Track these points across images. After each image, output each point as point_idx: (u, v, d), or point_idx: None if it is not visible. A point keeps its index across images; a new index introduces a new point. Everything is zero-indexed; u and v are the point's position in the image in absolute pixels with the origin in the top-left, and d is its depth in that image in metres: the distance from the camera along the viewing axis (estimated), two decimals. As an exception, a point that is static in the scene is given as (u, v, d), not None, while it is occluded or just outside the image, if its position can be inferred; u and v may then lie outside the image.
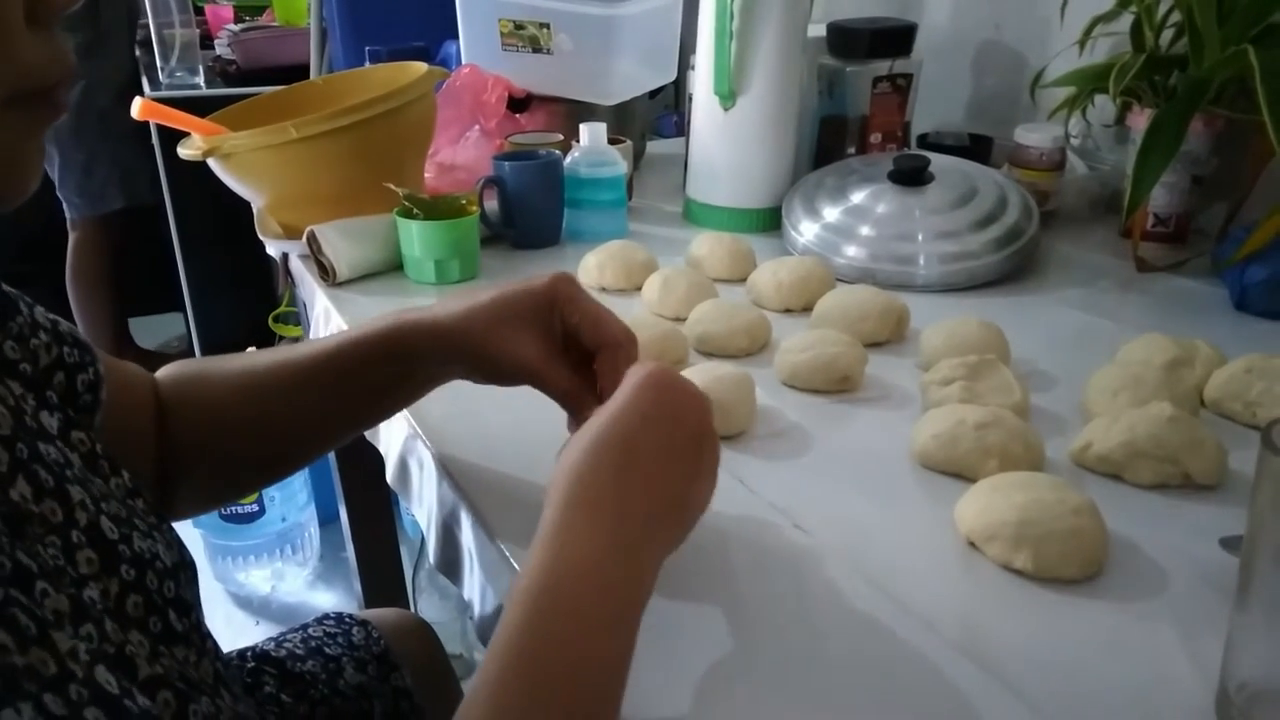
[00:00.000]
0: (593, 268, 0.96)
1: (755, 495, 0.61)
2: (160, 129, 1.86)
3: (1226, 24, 0.89)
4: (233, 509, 1.73)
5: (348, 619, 0.81)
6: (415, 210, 0.96)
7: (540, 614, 0.39)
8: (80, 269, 2.34)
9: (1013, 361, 0.75)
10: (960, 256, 0.95)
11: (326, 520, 1.88)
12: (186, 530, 1.75)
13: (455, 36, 1.30)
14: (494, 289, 0.58)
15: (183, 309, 2.23)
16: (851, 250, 0.98)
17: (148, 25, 2.00)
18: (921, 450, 0.63)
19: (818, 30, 1.17)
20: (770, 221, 1.11)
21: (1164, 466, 0.60)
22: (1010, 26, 1.29)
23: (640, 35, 1.26)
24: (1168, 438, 0.59)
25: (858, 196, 1.02)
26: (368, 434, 0.83)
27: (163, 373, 0.63)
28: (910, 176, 1.00)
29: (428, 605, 1.53)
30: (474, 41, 1.27)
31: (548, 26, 1.21)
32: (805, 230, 1.02)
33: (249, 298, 2.08)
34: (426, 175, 1.13)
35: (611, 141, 1.12)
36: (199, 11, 2.31)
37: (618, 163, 1.08)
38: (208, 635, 0.48)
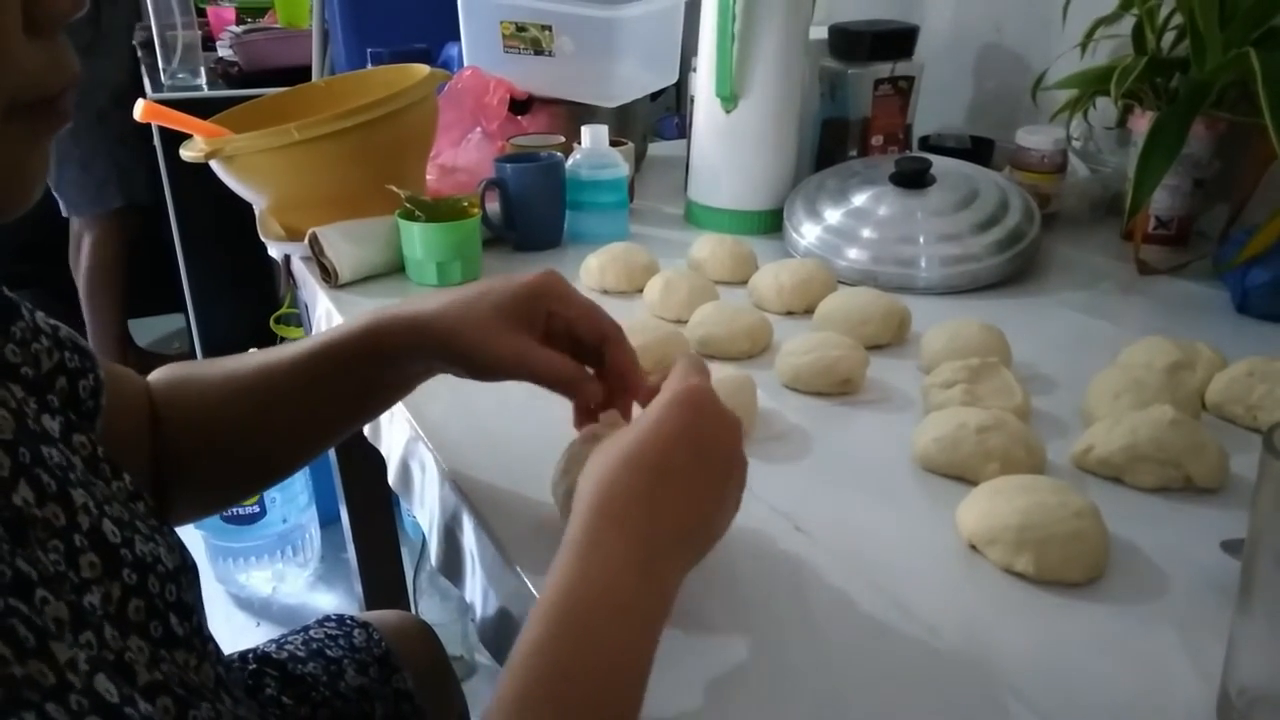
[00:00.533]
0: (594, 270, 0.96)
1: (757, 498, 0.60)
2: (162, 130, 1.87)
3: (1228, 27, 0.89)
4: (234, 510, 1.73)
5: (349, 621, 0.81)
6: (417, 212, 0.96)
7: (564, 634, 0.39)
8: (95, 268, 2.34)
9: (1014, 364, 0.75)
10: (962, 259, 0.95)
11: (327, 521, 1.88)
12: (188, 532, 1.76)
13: (457, 39, 1.30)
14: (477, 284, 0.58)
15: (184, 310, 2.23)
16: (853, 252, 0.98)
17: (149, 26, 2.00)
18: (923, 453, 0.63)
19: (819, 32, 1.17)
20: (772, 224, 1.11)
21: (1165, 469, 0.60)
22: (1012, 29, 1.29)
23: (642, 37, 1.26)
24: (1169, 441, 0.59)
25: (859, 199, 1.02)
26: (369, 436, 0.83)
27: (154, 376, 0.63)
28: (912, 179, 1.00)
29: (429, 606, 1.53)
30: (476, 44, 1.28)
31: (549, 29, 1.21)
32: (807, 232, 1.02)
33: (251, 299, 2.09)
34: (428, 177, 1.13)
35: (613, 143, 1.12)
36: (201, 13, 2.31)
37: (619, 165, 1.08)
38: (209, 639, 0.48)
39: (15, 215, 0.38)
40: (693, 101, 1.15)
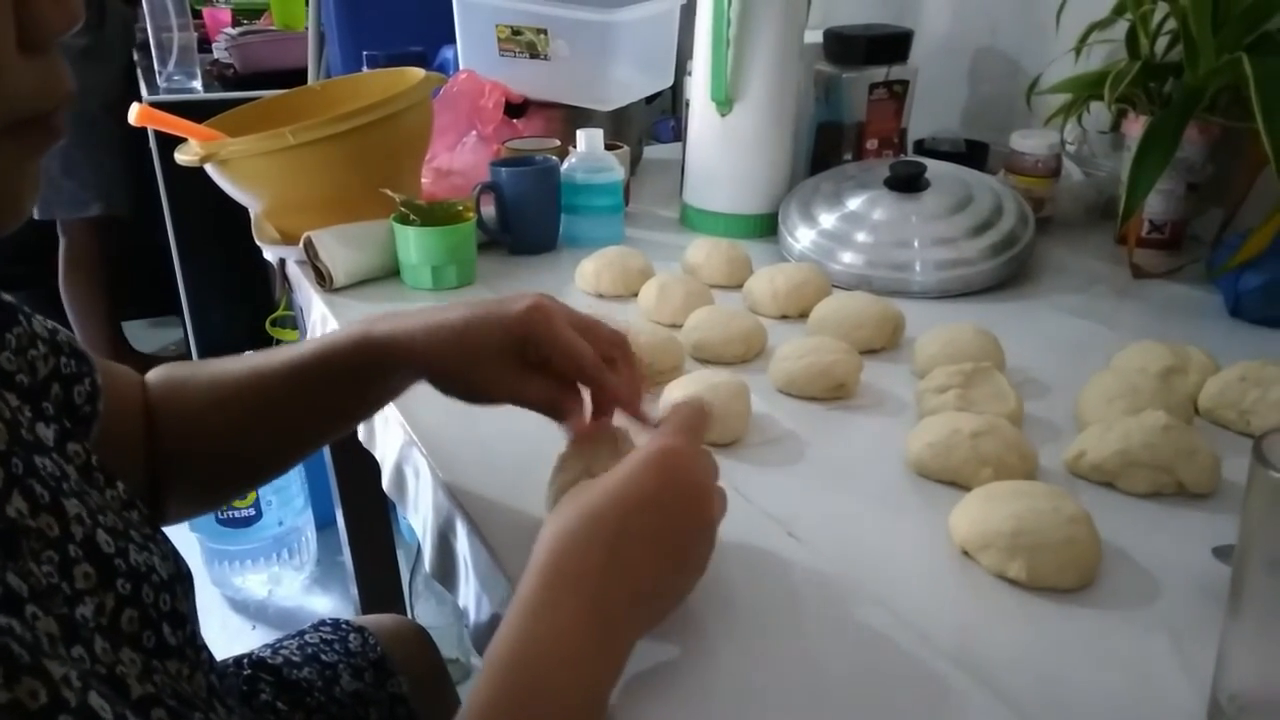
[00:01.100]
0: (589, 274, 0.96)
1: (749, 503, 0.61)
2: (158, 134, 1.86)
3: (1221, 32, 0.89)
4: (229, 513, 1.73)
5: (344, 625, 0.81)
6: (412, 216, 0.96)
7: (513, 691, 0.39)
8: (71, 273, 2.34)
9: (1008, 369, 0.76)
10: (956, 263, 0.96)
11: (323, 524, 1.88)
12: (183, 534, 1.76)
13: (453, 42, 1.30)
14: (466, 308, 0.57)
15: (180, 313, 2.23)
16: (848, 256, 0.98)
17: (145, 30, 2.00)
18: (916, 458, 0.63)
19: (814, 36, 1.17)
20: (767, 227, 1.11)
21: (1158, 475, 0.60)
22: (1006, 33, 1.29)
23: (637, 41, 1.26)
24: (1162, 446, 0.60)
25: (854, 203, 1.02)
26: (364, 441, 0.83)
27: (151, 375, 0.64)
28: (906, 183, 1.00)
29: (424, 610, 1.53)
30: (471, 47, 1.28)
31: (545, 32, 1.21)
32: (802, 236, 1.03)
33: (246, 302, 2.09)
34: (423, 181, 1.13)
35: (608, 147, 1.12)
36: (197, 15, 2.31)
37: (614, 168, 1.08)
38: (202, 648, 0.48)
39: (8, 231, 0.38)
40: (688, 105, 1.15)
